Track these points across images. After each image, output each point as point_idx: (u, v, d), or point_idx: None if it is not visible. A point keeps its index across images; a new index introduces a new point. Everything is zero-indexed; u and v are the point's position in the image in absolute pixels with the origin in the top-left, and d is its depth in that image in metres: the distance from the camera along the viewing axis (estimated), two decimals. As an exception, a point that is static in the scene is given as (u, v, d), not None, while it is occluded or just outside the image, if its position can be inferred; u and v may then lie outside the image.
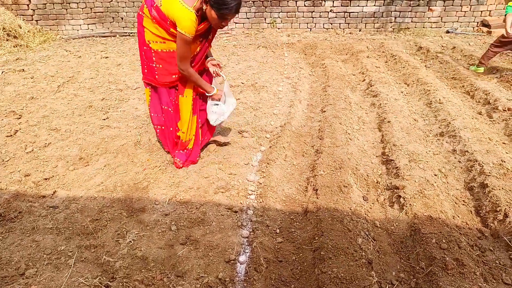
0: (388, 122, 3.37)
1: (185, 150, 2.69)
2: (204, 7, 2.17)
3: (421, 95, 4.13)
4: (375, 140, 3.27)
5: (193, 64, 2.43)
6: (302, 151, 3.07)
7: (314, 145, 3.14)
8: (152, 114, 2.65)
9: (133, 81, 4.74)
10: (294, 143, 3.14)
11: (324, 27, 7.57)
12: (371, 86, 4.41)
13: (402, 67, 5.15)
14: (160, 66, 2.40)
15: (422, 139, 3.13)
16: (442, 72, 4.94)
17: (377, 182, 2.63)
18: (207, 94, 2.55)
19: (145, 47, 2.40)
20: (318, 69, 5.42)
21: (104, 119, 3.57)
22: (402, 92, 4.34)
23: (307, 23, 7.56)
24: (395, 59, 5.53)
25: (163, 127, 2.69)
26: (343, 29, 7.59)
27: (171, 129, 2.65)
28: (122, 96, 4.20)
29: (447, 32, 7.18)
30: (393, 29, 7.44)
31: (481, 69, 4.69)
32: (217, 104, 2.60)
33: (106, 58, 5.91)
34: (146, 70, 2.48)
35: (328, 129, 3.21)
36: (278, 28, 7.61)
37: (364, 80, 4.77)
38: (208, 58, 2.64)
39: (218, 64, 2.66)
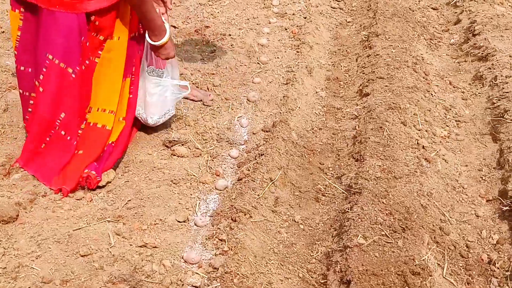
0: (514, 119, 3.47)
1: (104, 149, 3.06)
2: None
3: None
4: (483, 161, 3.35)
5: None
6: (315, 189, 3.12)
7: (342, 174, 3.20)
8: (22, 68, 2.92)
9: None
10: (296, 170, 3.19)
11: None
12: (474, 35, 4.52)
13: (544, -9, 5.30)
14: None
15: None
16: None
17: (489, 262, 2.67)
18: (151, 41, 3.01)
19: None
20: (353, -6, 5.53)
21: None
22: (544, 51, 4.48)
23: None
24: (529, -28, 5.69)
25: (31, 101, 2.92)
26: None
27: (63, 115, 2.88)
28: None
29: None
30: None
31: None
32: (159, 79, 3.06)
33: None
34: None
35: (375, 136, 3.27)
36: None
37: (459, 21, 4.89)
38: None
39: (165, 1, 3.16)
